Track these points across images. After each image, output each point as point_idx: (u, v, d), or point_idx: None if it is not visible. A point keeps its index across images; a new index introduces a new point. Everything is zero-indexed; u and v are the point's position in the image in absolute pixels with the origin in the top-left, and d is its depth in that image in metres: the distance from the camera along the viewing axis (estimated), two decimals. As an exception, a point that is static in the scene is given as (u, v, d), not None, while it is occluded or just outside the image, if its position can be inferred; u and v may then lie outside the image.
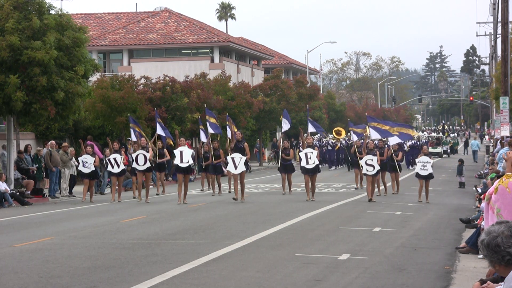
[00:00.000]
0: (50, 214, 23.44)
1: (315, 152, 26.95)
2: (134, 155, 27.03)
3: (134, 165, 26.90)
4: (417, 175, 26.86)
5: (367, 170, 26.33)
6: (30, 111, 28.93)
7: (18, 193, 27.94)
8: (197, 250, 14.36)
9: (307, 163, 26.74)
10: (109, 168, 28.37)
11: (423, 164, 26.45)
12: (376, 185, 27.79)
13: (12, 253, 14.49)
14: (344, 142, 53.93)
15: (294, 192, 30.29)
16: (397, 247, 15.40)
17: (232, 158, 26.14)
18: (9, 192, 26.97)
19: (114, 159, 28.02)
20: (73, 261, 13.30)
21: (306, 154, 26.83)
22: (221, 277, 11.83)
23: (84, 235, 16.98)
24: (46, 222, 20.59)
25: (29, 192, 29.37)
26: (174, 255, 13.90)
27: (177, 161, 26.13)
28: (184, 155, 25.78)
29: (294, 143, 59.40)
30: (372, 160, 26.31)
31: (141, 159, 26.69)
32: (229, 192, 30.35)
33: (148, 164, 26.70)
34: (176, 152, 26.14)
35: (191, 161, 26.16)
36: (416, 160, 27.61)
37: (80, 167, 28.11)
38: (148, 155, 26.79)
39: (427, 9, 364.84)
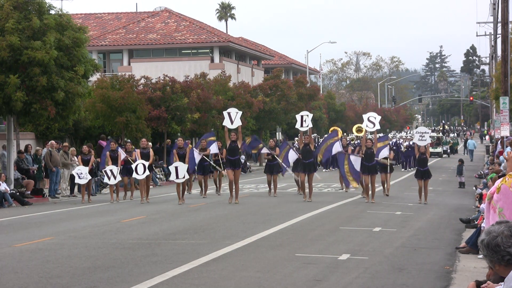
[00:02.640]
0: (50, 214, 23.44)
1: (310, 115, 27.18)
2: (133, 166, 26.82)
3: (134, 175, 26.83)
4: (416, 174, 26.82)
5: (367, 126, 26.80)
6: (30, 111, 28.93)
7: (18, 193, 27.93)
8: (197, 250, 14.36)
9: (301, 125, 26.86)
10: (106, 180, 28.21)
11: (421, 135, 26.52)
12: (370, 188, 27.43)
13: (12, 253, 14.49)
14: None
15: (292, 193, 30.19)
16: (397, 247, 15.39)
17: (228, 113, 25.94)
18: (9, 192, 26.97)
19: (111, 170, 27.74)
20: (73, 261, 13.29)
21: (302, 116, 27.00)
22: (221, 277, 11.83)
23: (84, 235, 16.97)
24: (46, 222, 20.59)
25: (29, 192, 29.37)
26: (174, 255, 13.90)
27: (172, 177, 26.03)
28: (179, 171, 25.69)
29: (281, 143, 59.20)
30: (375, 118, 26.67)
31: (140, 169, 26.60)
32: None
33: (147, 173, 26.60)
34: (172, 168, 26.03)
35: (187, 176, 26.05)
36: (414, 130, 27.92)
37: (77, 180, 28.09)
38: (147, 164, 26.66)
39: (427, 9, 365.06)
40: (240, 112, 26.18)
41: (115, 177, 27.60)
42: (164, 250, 14.51)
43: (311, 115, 27.43)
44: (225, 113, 26.10)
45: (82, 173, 27.75)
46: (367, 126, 26.97)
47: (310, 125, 27.24)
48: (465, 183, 35.59)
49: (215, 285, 11.24)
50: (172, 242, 15.59)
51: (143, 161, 26.71)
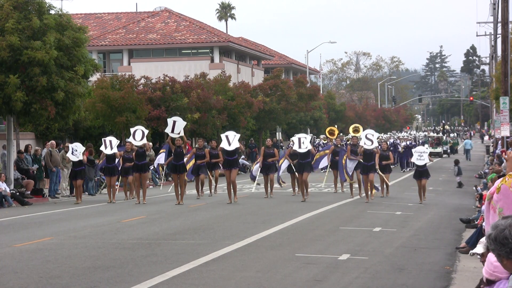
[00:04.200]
0: (50, 214, 23.43)
1: (309, 138, 26.99)
2: (132, 130, 27.11)
3: (131, 139, 26.92)
4: (415, 175, 26.81)
5: (365, 143, 26.51)
6: (30, 111, 28.92)
7: (18, 193, 27.92)
8: (197, 250, 14.35)
9: (299, 147, 26.72)
10: (102, 148, 28.16)
11: (420, 154, 26.53)
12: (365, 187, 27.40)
13: (12, 253, 14.48)
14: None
15: (291, 193, 30.04)
16: (397, 247, 15.39)
17: (226, 136, 26.06)
18: (9, 191, 26.95)
19: (110, 141, 27.93)
20: (73, 261, 13.29)
21: (299, 138, 26.88)
22: (221, 277, 11.83)
23: (84, 235, 16.97)
24: (46, 222, 20.58)
25: (29, 192, 29.36)
26: (174, 255, 13.89)
27: (168, 130, 26.04)
28: (176, 125, 25.84)
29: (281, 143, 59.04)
30: (372, 135, 26.66)
31: (138, 135, 26.70)
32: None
33: (144, 140, 26.74)
34: (170, 121, 26.08)
35: (182, 133, 25.90)
36: (413, 150, 27.84)
37: (69, 154, 27.89)
38: (146, 132, 26.93)
39: (427, 9, 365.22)
40: (238, 135, 26.50)
41: (111, 148, 27.73)
42: (164, 250, 14.50)
43: (309, 137, 27.19)
44: (223, 135, 26.37)
45: (77, 150, 27.66)
46: (365, 143, 26.64)
47: (309, 147, 26.96)
48: (461, 182, 35.83)
49: (215, 285, 11.24)
50: (172, 242, 15.58)
51: (142, 128, 26.91)
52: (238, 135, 26.42)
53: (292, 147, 29.07)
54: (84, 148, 28.03)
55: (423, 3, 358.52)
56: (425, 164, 26.75)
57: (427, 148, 27.26)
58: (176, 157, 25.66)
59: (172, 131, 25.76)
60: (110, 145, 27.85)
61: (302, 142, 26.66)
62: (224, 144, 26.19)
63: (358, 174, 27.36)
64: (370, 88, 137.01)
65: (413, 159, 26.83)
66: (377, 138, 29.72)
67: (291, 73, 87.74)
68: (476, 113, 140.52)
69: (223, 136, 26.35)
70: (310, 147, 26.92)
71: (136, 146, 27.18)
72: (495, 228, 5.27)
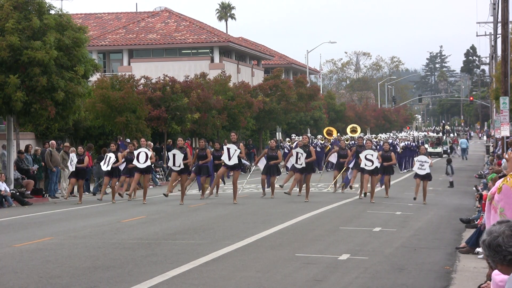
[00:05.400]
0: (50, 214, 23.43)
1: (305, 155, 26.78)
2: (136, 152, 26.94)
3: (135, 162, 26.79)
4: (415, 175, 26.75)
5: (365, 165, 26.27)
6: (30, 111, 28.91)
7: (18, 193, 27.91)
8: (197, 250, 14.35)
9: (296, 162, 26.72)
10: (102, 163, 28.18)
11: (421, 164, 26.39)
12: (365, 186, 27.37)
13: (12, 253, 14.48)
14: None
15: (292, 192, 29.96)
16: (397, 247, 15.39)
17: (228, 149, 26.10)
18: (9, 192, 26.92)
19: (109, 157, 27.83)
20: (73, 261, 13.29)
21: (297, 153, 26.82)
22: (221, 277, 11.82)
23: (84, 235, 16.97)
24: (46, 222, 20.58)
25: (29, 192, 29.34)
26: (174, 255, 13.89)
27: (170, 163, 26.15)
28: (176, 158, 25.78)
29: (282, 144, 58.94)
30: (372, 155, 26.31)
31: (142, 157, 26.65)
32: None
33: (148, 162, 26.68)
34: (170, 154, 26.15)
35: (182, 166, 25.99)
36: (415, 159, 27.67)
37: (68, 163, 27.90)
38: (150, 153, 26.77)
39: (427, 9, 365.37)
40: (239, 150, 26.29)
41: (108, 165, 27.62)
42: (164, 250, 14.50)
43: (305, 154, 27.06)
44: (225, 147, 26.42)
45: (72, 161, 27.55)
46: (365, 165, 26.42)
47: (304, 164, 26.82)
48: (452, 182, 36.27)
49: (215, 285, 11.24)
50: (172, 242, 15.58)
51: (146, 150, 26.82)
52: (239, 151, 26.32)
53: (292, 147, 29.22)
54: (76, 160, 27.81)
55: (423, 3, 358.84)
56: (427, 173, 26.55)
57: (428, 157, 27.04)
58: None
59: (174, 164, 25.88)
60: (108, 162, 27.74)
61: (299, 157, 26.66)
62: (224, 157, 26.27)
63: (362, 175, 27.32)
64: (370, 88, 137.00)
65: (415, 168, 26.67)
66: (377, 139, 29.70)
67: (291, 73, 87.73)
68: (476, 113, 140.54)
69: (225, 148, 26.39)
70: (304, 164, 26.72)
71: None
72: (489, 234, 5.23)
